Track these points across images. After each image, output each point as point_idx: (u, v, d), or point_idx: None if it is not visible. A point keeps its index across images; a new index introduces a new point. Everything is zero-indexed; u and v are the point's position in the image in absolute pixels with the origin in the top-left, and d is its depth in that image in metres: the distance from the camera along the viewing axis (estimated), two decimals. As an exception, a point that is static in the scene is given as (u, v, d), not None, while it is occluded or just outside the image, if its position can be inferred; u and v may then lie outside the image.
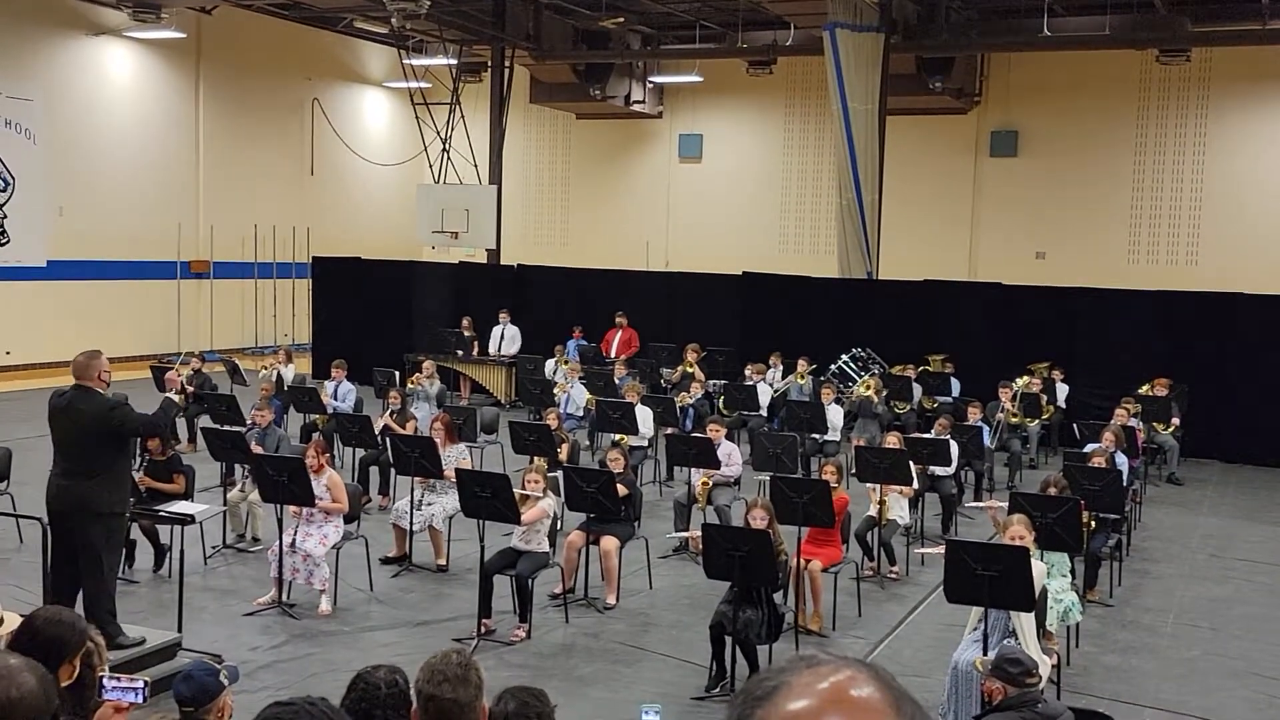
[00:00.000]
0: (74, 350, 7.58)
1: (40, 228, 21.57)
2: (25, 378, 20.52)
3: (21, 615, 4.26)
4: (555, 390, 15.54)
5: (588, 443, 14.98)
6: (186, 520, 8.42)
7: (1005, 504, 8.51)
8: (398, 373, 16.20)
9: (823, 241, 25.28)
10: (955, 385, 16.58)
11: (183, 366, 14.31)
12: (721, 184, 27.02)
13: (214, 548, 10.42)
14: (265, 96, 25.66)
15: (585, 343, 19.35)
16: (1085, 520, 8.77)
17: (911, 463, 10.61)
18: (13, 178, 21.08)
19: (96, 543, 7.18)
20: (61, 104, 21.83)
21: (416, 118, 22.85)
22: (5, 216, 21.04)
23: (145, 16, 20.72)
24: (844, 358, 17.44)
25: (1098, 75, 23.32)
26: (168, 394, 7.96)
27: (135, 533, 9.55)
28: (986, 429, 13.60)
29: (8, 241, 21.15)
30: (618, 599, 9.36)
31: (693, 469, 11.17)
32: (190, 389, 14.42)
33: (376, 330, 21.05)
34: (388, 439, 11.18)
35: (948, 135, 24.75)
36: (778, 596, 7.80)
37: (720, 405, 15.61)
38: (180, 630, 7.79)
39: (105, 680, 4.15)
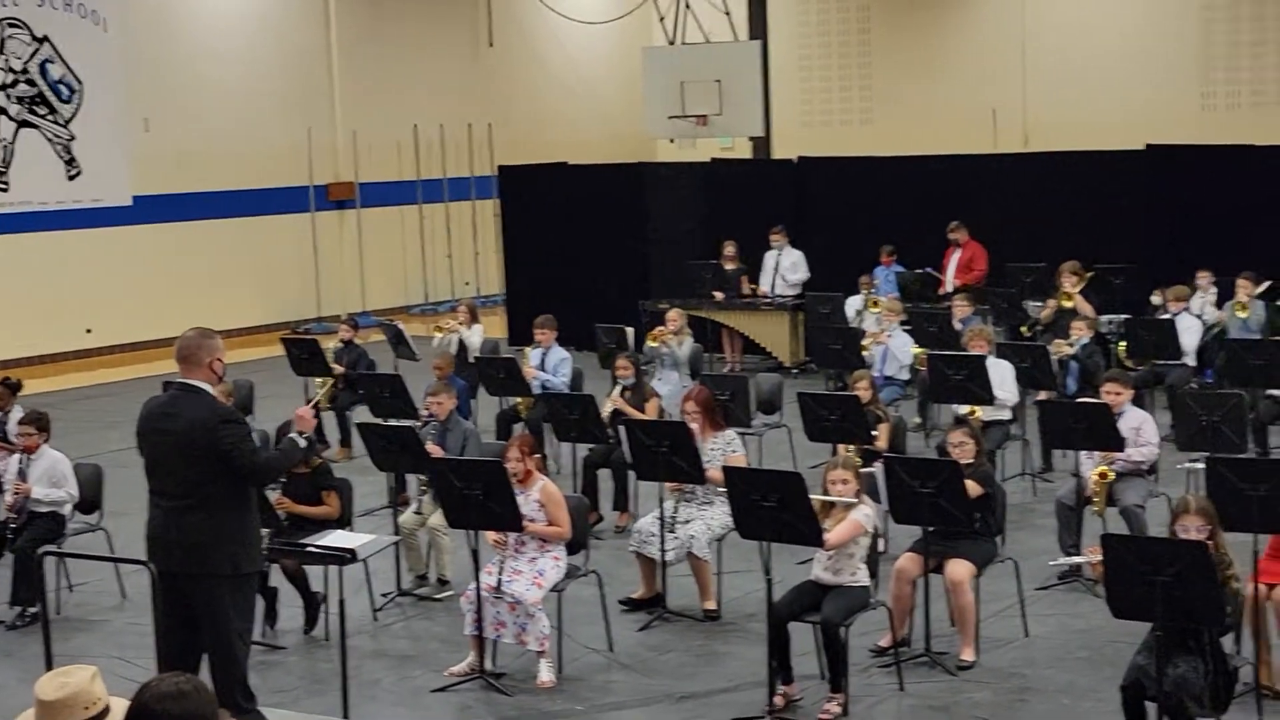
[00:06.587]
0: (174, 324, 7.99)
1: (120, 150, 22.88)
2: (113, 365, 21.91)
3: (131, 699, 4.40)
4: (865, 343, 15.48)
5: (918, 419, 15.03)
6: (346, 558, 8.81)
7: None
8: (631, 330, 16.46)
9: (1275, 90, 24.16)
10: None
11: (323, 376, 14.95)
12: (1105, 14, 26.16)
13: (386, 595, 10.83)
14: (417, -62, 26.46)
15: (904, 269, 19.19)
16: None
17: None
18: (80, 82, 22.39)
19: (221, 605, 7.61)
20: (139, -26, 23.07)
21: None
22: (73, 137, 22.42)
23: None
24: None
25: None
26: (292, 433, 8.32)
27: (276, 577, 10.09)
28: None
29: (79, 172, 22.50)
30: (976, 653, 9.30)
31: (1082, 453, 10.97)
32: (340, 370, 15.29)
33: (595, 269, 21.46)
34: (621, 428, 11.37)
35: None
36: (1226, 642, 7.61)
37: (1120, 353, 15.32)
38: (346, 716, 8.16)
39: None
